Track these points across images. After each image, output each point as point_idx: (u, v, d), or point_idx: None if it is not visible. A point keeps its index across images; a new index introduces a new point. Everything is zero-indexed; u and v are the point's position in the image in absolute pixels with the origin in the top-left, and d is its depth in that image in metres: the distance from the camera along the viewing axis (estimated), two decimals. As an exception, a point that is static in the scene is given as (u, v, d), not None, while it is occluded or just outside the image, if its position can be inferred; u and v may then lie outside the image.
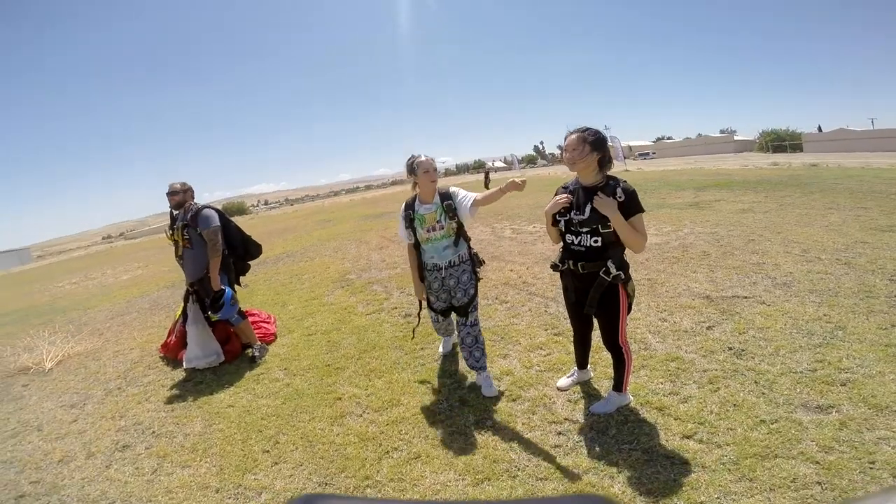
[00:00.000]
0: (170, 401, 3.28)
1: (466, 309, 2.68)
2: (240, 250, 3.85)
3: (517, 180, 2.25)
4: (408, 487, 2.04)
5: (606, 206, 1.98)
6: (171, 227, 3.65)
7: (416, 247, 2.73)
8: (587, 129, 2.09)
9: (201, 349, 3.70)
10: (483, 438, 2.29)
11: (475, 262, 2.75)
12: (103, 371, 4.19)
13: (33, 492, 2.46)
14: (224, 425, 2.80)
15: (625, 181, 2.07)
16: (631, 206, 2.01)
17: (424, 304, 2.89)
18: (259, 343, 3.89)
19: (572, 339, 2.58)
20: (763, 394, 2.31)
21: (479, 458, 2.14)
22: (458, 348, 2.90)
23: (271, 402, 2.99)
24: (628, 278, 2.12)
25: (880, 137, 33.23)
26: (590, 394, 2.53)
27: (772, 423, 2.07)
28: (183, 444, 2.67)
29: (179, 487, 2.28)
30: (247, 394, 3.18)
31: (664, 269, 4.66)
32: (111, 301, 7.96)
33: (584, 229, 2.09)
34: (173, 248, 3.68)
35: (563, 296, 2.45)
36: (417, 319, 3.05)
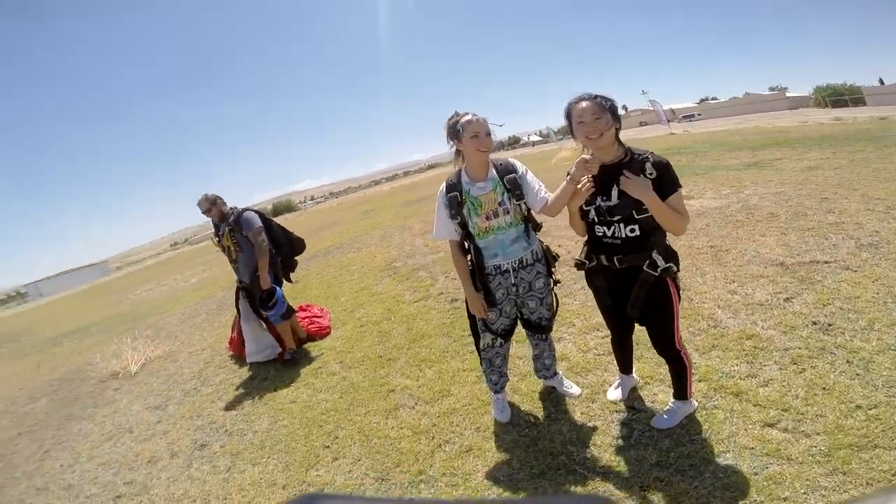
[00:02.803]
0: (239, 399, 3.47)
1: (547, 330, 2.17)
2: (286, 248, 3.91)
3: (585, 159, 1.71)
4: (460, 482, 2.00)
5: (638, 187, 1.62)
6: (217, 234, 3.71)
7: (463, 246, 2.04)
8: (595, 94, 1.69)
9: (256, 345, 3.86)
10: (538, 430, 2.20)
11: (549, 259, 2.09)
12: (180, 373, 4.51)
13: (128, 492, 2.68)
14: (288, 421, 2.92)
15: (652, 152, 1.69)
16: (667, 182, 1.64)
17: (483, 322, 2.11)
18: (291, 348, 3.85)
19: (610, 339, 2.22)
20: (858, 375, 2.04)
21: (534, 452, 2.06)
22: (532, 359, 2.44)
23: (329, 397, 3.08)
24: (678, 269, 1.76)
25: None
26: (655, 378, 2.34)
27: (870, 409, 1.83)
28: (252, 442, 2.81)
29: (251, 485, 2.39)
30: (307, 389, 3.29)
31: (728, 234, 4.28)
32: (182, 305, 8.56)
33: (616, 217, 1.71)
34: (226, 256, 3.77)
35: (593, 297, 2.03)
36: (478, 351, 2.26)
